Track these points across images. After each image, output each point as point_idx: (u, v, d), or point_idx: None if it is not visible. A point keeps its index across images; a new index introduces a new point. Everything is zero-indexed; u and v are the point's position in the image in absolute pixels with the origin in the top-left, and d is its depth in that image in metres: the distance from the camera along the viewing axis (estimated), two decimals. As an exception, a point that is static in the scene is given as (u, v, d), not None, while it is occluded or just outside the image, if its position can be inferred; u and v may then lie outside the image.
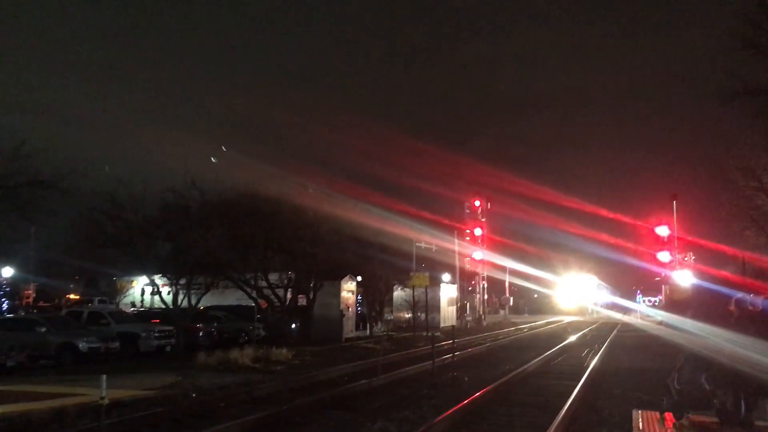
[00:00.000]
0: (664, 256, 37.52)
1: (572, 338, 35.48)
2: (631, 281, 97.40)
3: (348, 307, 34.45)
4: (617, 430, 10.93)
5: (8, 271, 45.50)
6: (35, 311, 41.00)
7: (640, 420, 10.43)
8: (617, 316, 70.65)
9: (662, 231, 37.32)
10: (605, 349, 27.64)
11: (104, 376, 7.11)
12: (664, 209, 38.71)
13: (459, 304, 52.86)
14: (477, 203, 62.95)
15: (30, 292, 53.27)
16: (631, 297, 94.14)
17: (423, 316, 40.19)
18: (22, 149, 17.10)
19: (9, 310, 42.80)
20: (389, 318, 45.21)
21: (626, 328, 47.53)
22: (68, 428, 10.89)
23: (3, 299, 45.87)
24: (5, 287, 47.37)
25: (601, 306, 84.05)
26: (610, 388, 16.11)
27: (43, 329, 22.30)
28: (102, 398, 6.99)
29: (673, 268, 38.36)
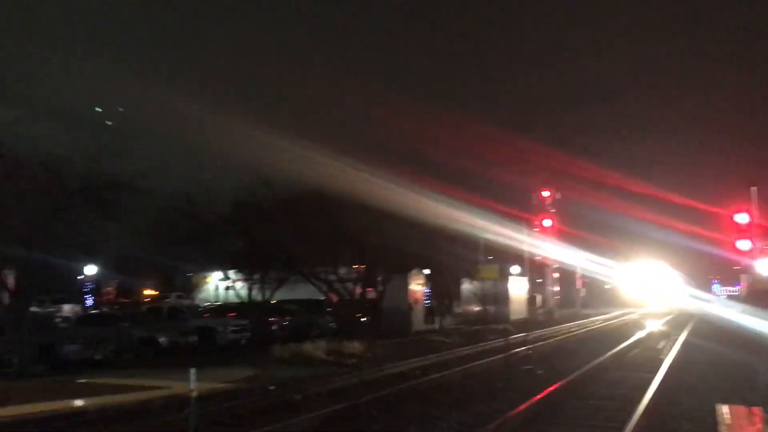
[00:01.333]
0: (744, 244, 36.06)
1: (647, 329, 34.61)
2: (707, 270, 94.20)
3: (416, 301, 34.54)
4: (700, 424, 10.64)
5: (91, 269, 47.39)
6: (117, 307, 42.73)
7: (725, 414, 10.11)
8: (693, 306, 68.40)
9: (741, 218, 35.87)
10: (683, 340, 26.86)
11: (193, 370, 7.41)
12: (743, 195, 37.24)
13: (529, 297, 52.20)
14: (546, 194, 61.93)
15: (111, 288, 55.46)
16: (707, 287, 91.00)
17: (492, 309, 39.92)
18: (103, 151, 17.78)
19: (93, 307, 44.70)
20: (458, 311, 45.10)
21: (704, 319, 45.98)
22: (156, 419, 11.37)
23: (87, 296, 47.91)
24: (88, 284, 49.41)
25: (676, 296, 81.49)
26: (690, 381, 15.68)
27: (127, 325, 23.29)
28: (191, 391, 7.29)
29: (754, 257, 36.87)
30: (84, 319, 26.35)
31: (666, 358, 19.76)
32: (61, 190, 17.53)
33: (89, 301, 46.94)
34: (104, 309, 40.89)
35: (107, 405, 11.95)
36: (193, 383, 7.22)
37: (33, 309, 24.34)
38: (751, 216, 35.48)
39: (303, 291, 32.86)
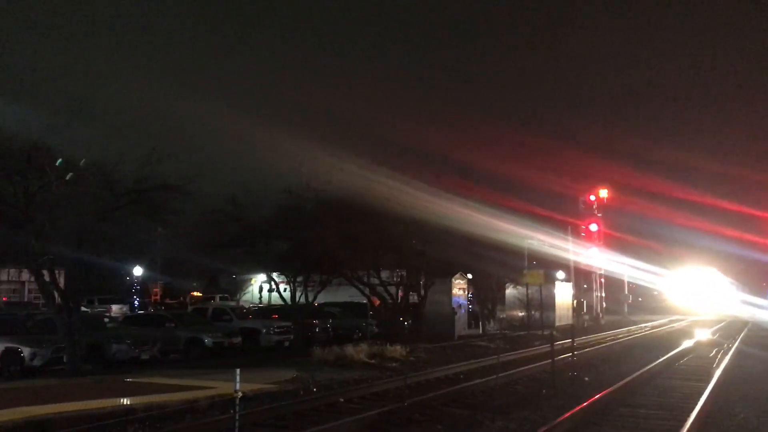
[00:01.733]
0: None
1: (698, 337, 33.66)
2: (761, 278, 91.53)
3: (459, 305, 34.29)
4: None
5: (138, 270, 48.41)
6: (163, 308, 43.52)
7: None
8: (746, 313, 66.37)
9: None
10: (736, 349, 26.05)
11: (238, 370, 7.44)
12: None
13: (575, 302, 51.37)
14: (592, 198, 60.89)
15: (158, 289, 56.55)
16: (762, 294, 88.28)
17: (537, 314, 39.38)
18: (152, 155, 18.08)
19: (140, 307, 45.61)
20: (502, 316, 44.62)
21: (758, 327, 44.60)
22: (201, 419, 11.48)
23: (134, 297, 48.90)
24: (136, 285, 50.46)
25: (727, 303, 79.20)
26: (744, 391, 15.17)
27: (173, 325, 23.67)
28: (236, 391, 7.32)
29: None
30: (131, 319, 26.86)
31: (718, 367, 19.17)
32: (111, 193, 17.88)
33: (136, 302, 47.90)
34: (151, 309, 41.69)
35: (153, 404, 12.11)
36: (238, 384, 7.23)
37: (82, 309, 24.90)
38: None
39: (345, 294, 32.99)
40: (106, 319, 28.65)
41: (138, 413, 11.55)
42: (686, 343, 28.72)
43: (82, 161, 17.33)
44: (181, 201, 19.86)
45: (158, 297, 56.02)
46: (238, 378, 7.22)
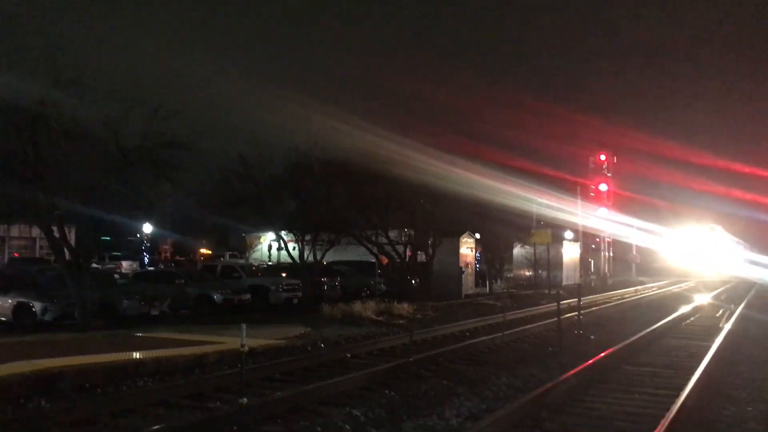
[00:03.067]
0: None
1: (704, 298, 33.74)
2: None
3: (467, 264, 34.39)
4: (759, 393, 10.33)
5: (148, 228, 48.70)
6: (173, 265, 43.90)
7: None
8: (754, 274, 66.31)
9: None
10: (742, 309, 26.07)
11: (244, 326, 7.50)
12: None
13: (582, 262, 51.44)
14: (602, 157, 60.46)
15: (167, 247, 57.03)
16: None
17: (544, 274, 39.49)
18: (158, 112, 17.97)
19: (150, 264, 46.02)
20: (509, 275, 44.81)
21: (766, 286, 44.59)
22: (209, 373, 11.65)
23: (144, 254, 49.32)
24: (146, 242, 50.86)
25: (735, 264, 79.03)
26: (749, 351, 15.25)
27: (182, 282, 23.88)
28: (243, 346, 7.38)
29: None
30: (141, 275, 27.12)
31: (724, 326, 19.23)
32: (118, 150, 17.84)
33: (146, 259, 48.33)
34: (161, 266, 42.07)
35: (163, 358, 12.26)
36: (244, 339, 7.29)
37: (93, 265, 25.11)
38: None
39: (354, 253, 33.10)
40: (117, 276, 28.95)
41: (148, 367, 11.72)
42: (692, 304, 28.78)
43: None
44: (188, 158, 19.83)
45: (168, 254, 56.53)
46: (244, 333, 7.28)
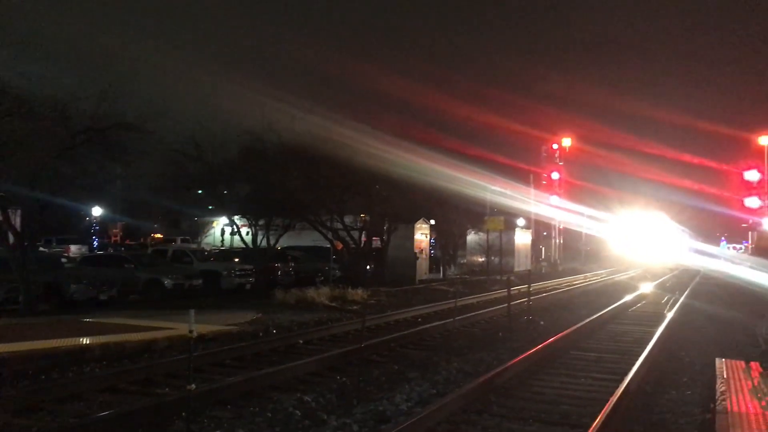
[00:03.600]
0: (752, 201, 35.93)
1: (651, 285, 34.64)
2: (714, 228, 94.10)
3: (421, 250, 34.63)
4: (700, 377, 10.68)
5: (97, 211, 47.61)
6: (123, 249, 43.03)
7: (725, 368, 10.12)
8: (699, 262, 68.36)
9: (752, 176, 35.63)
10: (686, 296, 26.90)
11: (192, 311, 7.39)
12: (755, 153, 36.88)
13: (534, 249, 52.29)
14: (555, 146, 61.44)
15: (117, 230, 55.81)
16: (715, 244, 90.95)
17: (497, 260, 40.01)
18: (108, 92, 17.55)
19: (99, 248, 45.03)
20: (462, 261, 45.27)
21: (709, 275, 46.03)
22: (158, 359, 11.50)
23: (93, 237, 48.23)
24: (95, 226, 49.72)
25: (682, 253, 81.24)
26: (691, 336, 15.74)
27: (132, 266, 23.45)
28: (191, 332, 7.29)
29: (762, 215, 36.70)
30: (89, 259, 26.50)
31: (668, 313, 19.80)
32: (66, 130, 17.35)
33: (95, 243, 47.28)
34: (110, 250, 41.22)
35: (111, 343, 12.05)
36: (193, 324, 7.21)
37: (40, 249, 24.47)
38: (762, 172, 35.18)
39: (308, 238, 33.00)
40: (64, 260, 28.23)
41: (95, 353, 11.51)
42: (638, 291, 29.53)
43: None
44: (139, 140, 19.43)
45: (118, 238, 55.37)
46: (192, 318, 7.19)
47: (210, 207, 33.84)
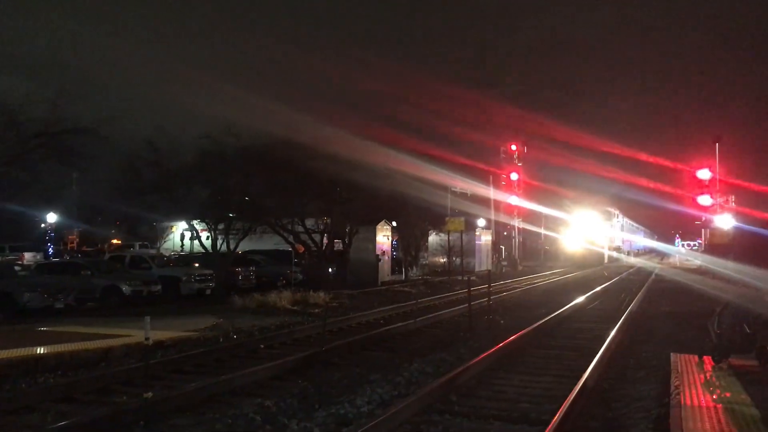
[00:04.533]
0: (704, 199, 36.84)
1: (609, 283, 35.29)
2: (670, 226, 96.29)
3: (383, 252, 34.68)
4: (655, 372, 10.91)
5: (52, 217, 46.59)
6: (79, 256, 42.16)
7: (679, 363, 10.38)
8: (655, 260, 69.84)
9: (704, 174, 36.53)
10: (643, 293, 27.45)
11: (148, 318, 7.31)
12: (706, 152, 37.84)
13: (494, 249, 52.78)
14: (513, 147, 62.14)
15: (74, 237, 54.71)
16: (670, 242, 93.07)
17: (458, 260, 40.29)
18: (61, 96, 17.24)
19: (54, 255, 44.05)
20: (424, 262, 45.44)
21: (664, 272, 47.06)
22: (115, 367, 11.28)
23: (48, 244, 47.15)
24: (50, 232, 48.62)
25: (638, 250, 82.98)
26: (647, 332, 16.06)
27: (89, 273, 22.97)
28: (147, 339, 7.19)
29: (714, 212, 37.68)
30: (44, 267, 25.86)
31: (626, 309, 20.17)
32: (17, 136, 16.98)
33: (51, 250, 46.23)
34: (66, 257, 40.35)
35: (66, 352, 11.79)
36: (148, 331, 7.11)
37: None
38: (713, 171, 36.12)
39: (269, 242, 32.79)
40: (18, 267, 27.53)
41: (49, 362, 11.25)
42: (598, 288, 30.04)
43: None
44: (95, 145, 19.14)
45: (75, 245, 54.29)
46: (148, 325, 7.09)
47: (168, 212, 33.35)
